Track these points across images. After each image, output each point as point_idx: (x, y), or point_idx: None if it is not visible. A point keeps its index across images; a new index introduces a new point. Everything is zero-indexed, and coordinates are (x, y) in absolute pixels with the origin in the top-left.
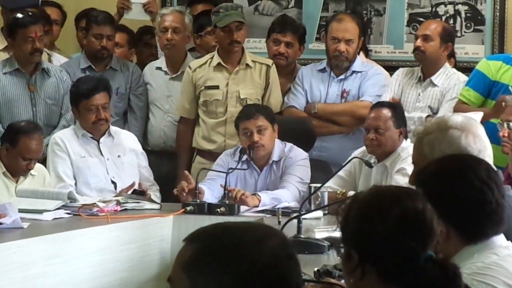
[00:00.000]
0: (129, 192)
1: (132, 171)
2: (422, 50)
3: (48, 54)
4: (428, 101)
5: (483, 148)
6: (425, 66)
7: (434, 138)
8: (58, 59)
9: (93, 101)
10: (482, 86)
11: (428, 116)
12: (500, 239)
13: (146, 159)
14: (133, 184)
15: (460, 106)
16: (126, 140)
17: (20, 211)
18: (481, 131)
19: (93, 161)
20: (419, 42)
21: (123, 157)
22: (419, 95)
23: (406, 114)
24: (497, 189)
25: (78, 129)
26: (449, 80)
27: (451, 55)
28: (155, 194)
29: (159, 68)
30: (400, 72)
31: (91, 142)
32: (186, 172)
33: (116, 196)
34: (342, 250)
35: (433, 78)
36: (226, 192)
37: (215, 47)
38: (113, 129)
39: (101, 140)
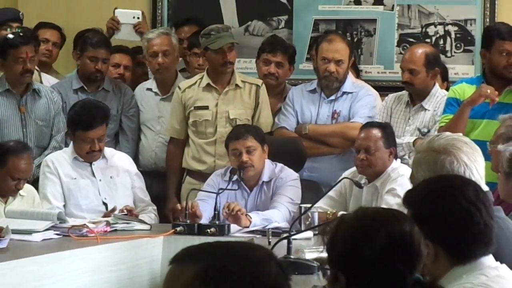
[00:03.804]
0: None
1: (125, 192)
2: (411, 83)
3: (38, 72)
4: (418, 123)
5: (463, 171)
6: (415, 94)
7: (419, 158)
8: (48, 80)
9: (90, 135)
10: (457, 108)
11: (416, 139)
12: (489, 259)
13: (142, 180)
14: (114, 208)
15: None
16: (120, 162)
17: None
18: (465, 153)
19: (84, 183)
20: (406, 76)
21: (115, 178)
22: (409, 119)
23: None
24: (486, 210)
25: (71, 151)
26: (439, 105)
27: (445, 79)
28: (149, 216)
29: (149, 89)
30: (388, 99)
31: (84, 164)
32: (177, 204)
33: (102, 217)
34: (329, 272)
35: (423, 103)
36: (217, 212)
37: (197, 68)
38: (107, 151)
39: (94, 162)
